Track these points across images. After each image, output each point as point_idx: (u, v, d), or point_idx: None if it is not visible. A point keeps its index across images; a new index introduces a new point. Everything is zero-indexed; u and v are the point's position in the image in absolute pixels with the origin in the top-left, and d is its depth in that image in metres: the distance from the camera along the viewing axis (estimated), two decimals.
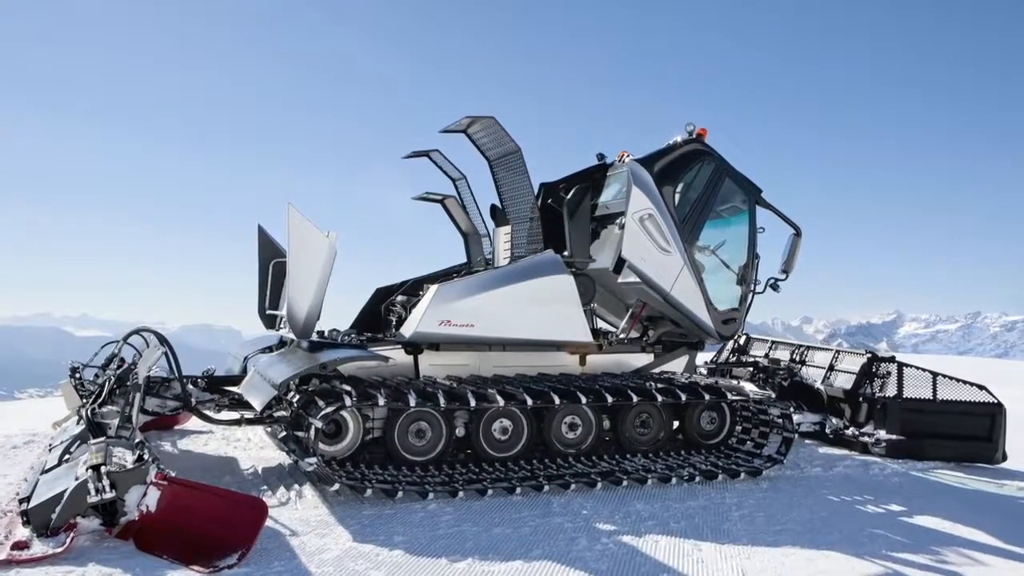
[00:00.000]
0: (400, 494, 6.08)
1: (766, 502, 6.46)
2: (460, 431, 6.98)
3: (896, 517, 6.21)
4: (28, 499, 4.98)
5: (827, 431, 8.73)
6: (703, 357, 9.96)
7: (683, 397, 7.29)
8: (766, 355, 10.34)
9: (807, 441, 9.18)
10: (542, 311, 7.40)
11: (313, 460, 5.88)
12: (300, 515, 5.66)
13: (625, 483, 6.75)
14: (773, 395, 7.70)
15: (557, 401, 6.81)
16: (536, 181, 8.59)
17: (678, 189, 8.32)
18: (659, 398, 7.20)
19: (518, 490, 6.41)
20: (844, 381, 9.00)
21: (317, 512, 5.76)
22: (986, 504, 6.81)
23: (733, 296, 8.67)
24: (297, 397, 6.39)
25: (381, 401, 6.24)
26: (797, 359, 9.87)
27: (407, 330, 7.19)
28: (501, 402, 6.66)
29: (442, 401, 6.44)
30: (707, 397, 7.44)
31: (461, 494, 6.23)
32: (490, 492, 6.33)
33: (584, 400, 6.92)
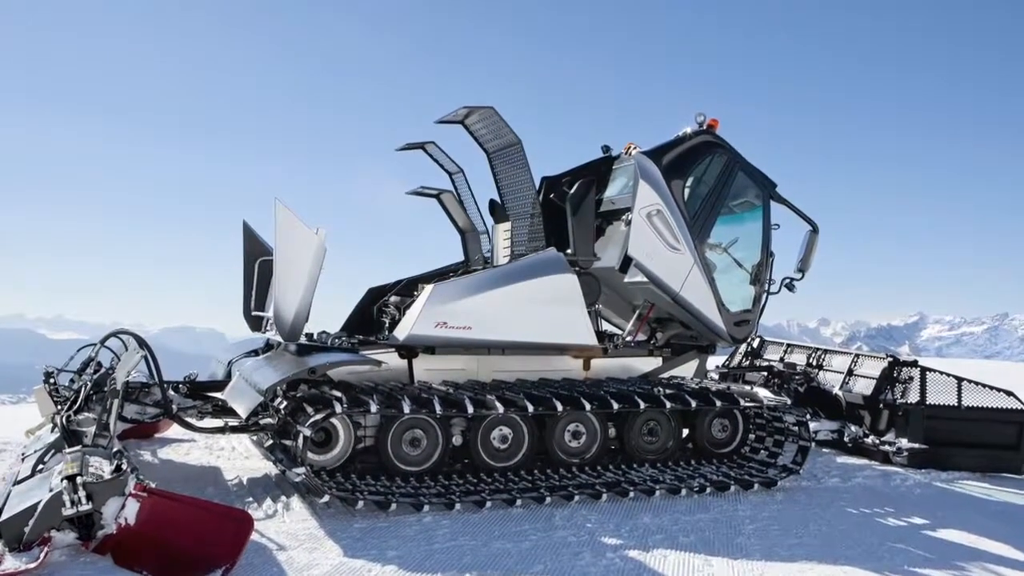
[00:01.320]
0: (393, 506, 6.08)
1: (781, 515, 6.46)
2: (457, 440, 6.99)
3: (919, 530, 6.22)
4: None
5: (846, 439, 8.74)
6: (714, 361, 9.97)
7: (693, 404, 7.29)
8: (781, 359, 10.35)
9: (824, 450, 9.19)
10: (544, 312, 7.40)
11: (301, 470, 5.88)
12: (288, 528, 5.66)
13: (632, 494, 6.76)
14: (788, 401, 7.70)
15: (560, 408, 6.81)
16: (537, 175, 8.62)
17: (688, 183, 8.32)
18: (668, 405, 7.21)
19: (518, 502, 6.41)
20: (864, 387, 9.00)
21: (306, 525, 5.76)
22: (1014, 516, 6.82)
23: (746, 297, 8.68)
24: (284, 404, 6.39)
25: (373, 408, 6.24)
26: (814, 363, 9.87)
27: (401, 332, 7.19)
28: (500, 409, 6.66)
29: (438, 408, 6.45)
30: (719, 404, 7.44)
31: (458, 506, 6.24)
32: (489, 504, 6.33)
33: (588, 407, 6.92)
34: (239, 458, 8.06)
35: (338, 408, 6.11)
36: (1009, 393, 8.33)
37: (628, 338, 8.48)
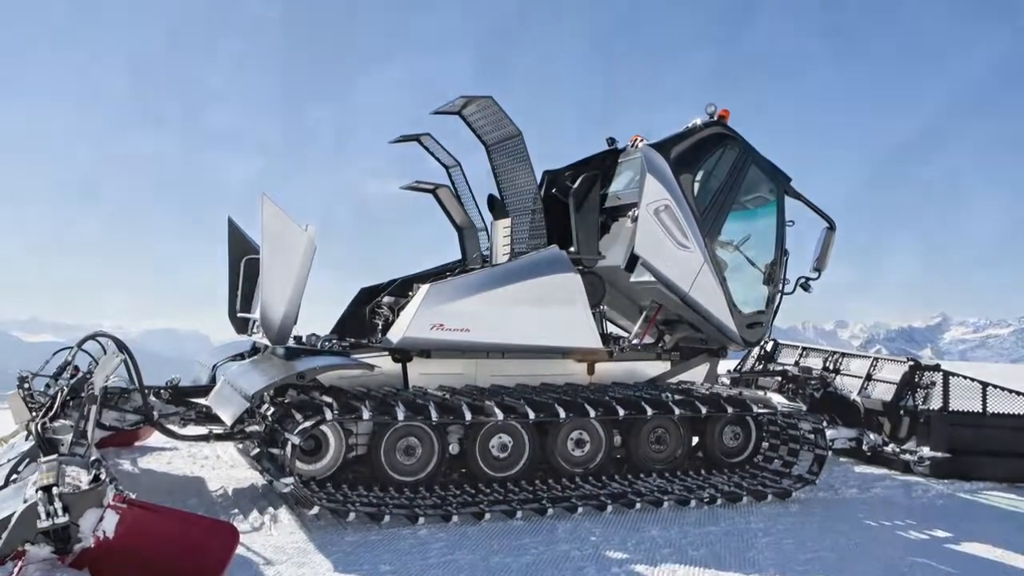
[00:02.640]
0: (387, 518, 6.08)
1: (796, 527, 6.46)
2: (454, 448, 6.98)
3: (941, 544, 6.21)
4: None
5: (864, 448, 8.74)
6: (726, 365, 9.97)
7: (703, 410, 7.30)
8: (796, 363, 10.35)
9: (842, 459, 9.19)
10: (546, 314, 7.40)
11: (290, 480, 5.88)
12: (275, 542, 5.66)
13: (638, 506, 6.76)
14: (804, 408, 7.70)
15: (562, 414, 6.81)
16: (539, 168, 8.61)
17: (698, 177, 8.32)
18: (676, 411, 7.20)
19: (519, 514, 6.41)
20: (883, 392, 9.01)
21: (294, 538, 5.76)
22: None
23: (759, 297, 8.67)
24: (272, 410, 6.39)
25: (366, 414, 6.24)
26: (831, 367, 9.87)
27: (395, 335, 7.19)
28: (500, 415, 6.66)
29: (434, 414, 6.44)
30: (730, 410, 7.44)
31: (455, 518, 6.23)
32: (488, 516, 6.33)
33: (593, 413, 6.92)
34: (224, 467, 8.06)
35: (328, 415, 6.11)
36: None
37: (635, 341, 8.48)
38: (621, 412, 7.00)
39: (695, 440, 7.92)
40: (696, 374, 8.62)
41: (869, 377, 9.29)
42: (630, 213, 8.18)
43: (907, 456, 8.47)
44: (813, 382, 9.51)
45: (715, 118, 8.51)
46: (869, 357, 9.63)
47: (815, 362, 10.18)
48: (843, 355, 9.99)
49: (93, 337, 7.81)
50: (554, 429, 7.13)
